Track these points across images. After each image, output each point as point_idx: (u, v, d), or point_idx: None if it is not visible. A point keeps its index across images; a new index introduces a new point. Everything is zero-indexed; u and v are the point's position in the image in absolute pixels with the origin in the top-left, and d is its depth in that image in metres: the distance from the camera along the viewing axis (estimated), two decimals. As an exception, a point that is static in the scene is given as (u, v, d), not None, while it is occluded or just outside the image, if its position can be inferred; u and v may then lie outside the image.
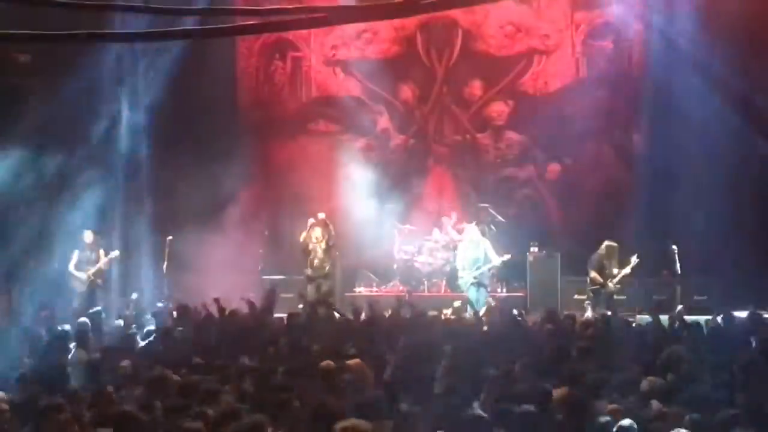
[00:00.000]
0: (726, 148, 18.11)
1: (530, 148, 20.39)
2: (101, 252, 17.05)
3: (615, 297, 16.45)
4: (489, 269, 16.93)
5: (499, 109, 20.47)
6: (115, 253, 17.20)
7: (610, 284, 16.23)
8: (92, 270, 16.88)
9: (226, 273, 17.48)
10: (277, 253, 19.12)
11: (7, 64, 18.08)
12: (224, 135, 20.13)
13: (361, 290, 18.74)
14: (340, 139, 20.65)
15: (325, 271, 17.34)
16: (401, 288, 18.50)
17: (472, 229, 17.27)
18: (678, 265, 16.88)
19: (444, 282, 18.69)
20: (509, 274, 19.07)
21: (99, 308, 14.38)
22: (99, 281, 17.00)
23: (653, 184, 19.04)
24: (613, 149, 20.02)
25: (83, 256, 16.96)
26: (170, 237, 18.01)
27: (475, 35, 20.27)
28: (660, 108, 18.85)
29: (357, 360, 9.16)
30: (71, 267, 16.84)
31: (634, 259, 16.26)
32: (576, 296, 17.35)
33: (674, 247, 16.84)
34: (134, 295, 16.56)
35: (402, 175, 20.13)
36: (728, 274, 17.77)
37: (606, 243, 16.51)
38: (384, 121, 20.84)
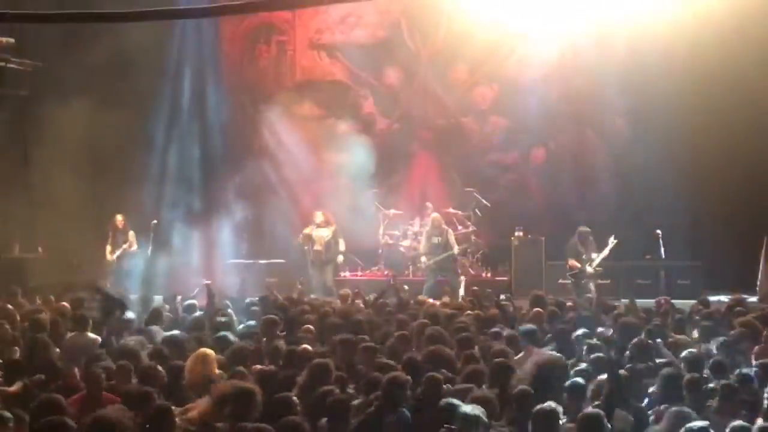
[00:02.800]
0: (710, 132, 18.16)
1: (515, 132, 20.37)
2: (130, 234, 17.46)
3: (599, 282, 16.55)
4: (447, 257, 16.92)
5: (484, 94, 20.46)
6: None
7: (589, 268, 16.35)
8: (118, 252, 17.31)
9: (209, 257, 17.57)
10: (260, 238, 19.14)
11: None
12: (208, 120, 20.09)
13: (345, 274, 18.71)
14: (325, 123, 20.56)
15: (322, 258, 17.34)
16: (386, 272, 18.53)
17: (434, 217, 17.32)
18: (662, 249, 16.92)
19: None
20: (494, 258, 19.17)
21: None
22: (124, 265, 17.35)
23: (637, 169, 19.09)
24: (597, 134, 20.03)
25: (114, 240, 17.44)
26: (155, 221, 17.96)
27: (461, 19, 20.19)
28: (643, 92, 18.85)
29: None
30: (107, 249, 17.38)
31: (611, 241, 16.38)
32: (560, 280, 17.40)
33: (658, 231, 16.88)
34: None
35: (386, 159, 20.04)
36: (712, 258, 17.87)
37: (579, 229, 16.68)
38: (368, 105, 20.82)
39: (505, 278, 18.57)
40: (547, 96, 19.78)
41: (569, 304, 13.19)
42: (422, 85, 20.62)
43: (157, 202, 18.60)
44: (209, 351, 8.84)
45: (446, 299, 14.25)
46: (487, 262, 19.17)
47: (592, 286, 16.22)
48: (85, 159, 18.60)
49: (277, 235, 19.22)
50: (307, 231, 17.52)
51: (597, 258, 16.40)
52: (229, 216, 18.71)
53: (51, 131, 18.07)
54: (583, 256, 16.44)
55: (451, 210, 18.89)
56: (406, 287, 15.63)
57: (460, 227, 18.65)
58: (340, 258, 17.65)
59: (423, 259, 17.33)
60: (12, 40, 18.15)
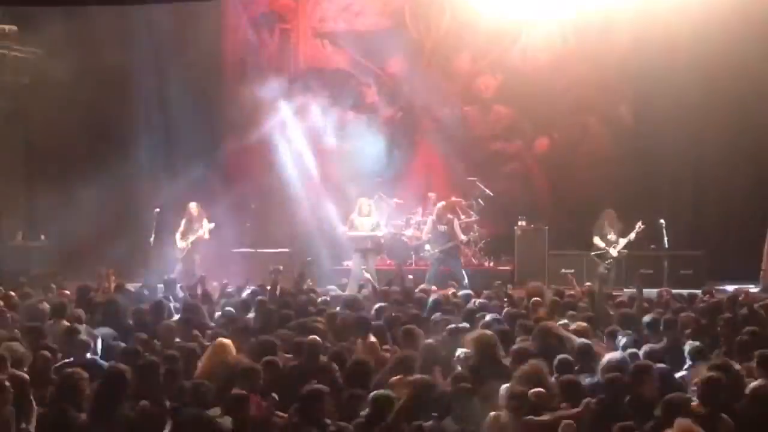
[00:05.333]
0: (713, 120, 18.14)
1: (518, 121, 20.31)
2: (205, 223, 17.48)
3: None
4: (453, 246, 16.86)
5: (488, 83, 20.39)
6: (211, 225, 17.52)
7: (612, 250, 16.48)
8: (191, 239, 17.43)
9: (212, 246, 17.60)
10: (263, 227, 19.15)
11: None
12: (212, 107, 20.06)
13: (348, 264, 18.65)
14: (328, 112, 20.45)
15: (368, 246, 17.25)
16: (389, 262, 18.52)
17: (440, 206, 17.27)
18: (666, 239, 16.90)
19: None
20: (497, 247, 19.16)
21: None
22: (197, 255, 17.50)
23: (641, 157, 19.05)
24: (601, 122, 19.96)
25: (188, 227, 17.53)
26: (157, 209, 17.95)
27: (464, 8, 20.11)
28: (648, 80, 18.80)
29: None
30: (177, 236, 17.51)
31: (638, 225, 16.50)
32: (563, 270, 17.37)
33: (662, 221, 16.86)
34: None
35: (390, 149, 20.00)
36: (715, 248, 17.84)
37: (606, 210, 16.95)
38: (372, 94, 20.76)
39: (507, 268, 18.58)
40: (550, 85, 19.71)
41: (571, 293, 13.21)
42: (425, 74, 20.52)
43: (160, 190, 18.56)
44: (227, 341, 8.89)
45: (452, 290, 14.18)
46: (490, 252, 19.15)
47: (602, 268, 16.46)
48: (86, 148, 18.67)
49: (280, 224, 19.23)
50: (351, 219, 17.40)
51: (622, 242, 16.58)
52: (231, 204, 18.70)
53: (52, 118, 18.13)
54: (608, 237, 16.65)
55: (453, 199, 18.83)
56: (410, 276, 15.64)
57: (462, 216, 18.59)
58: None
59: (427, 247, 17.27)
60: (15, 28, 18.19)
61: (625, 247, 16.76)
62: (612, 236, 16.82)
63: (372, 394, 7.32)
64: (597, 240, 16.93)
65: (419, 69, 20.51)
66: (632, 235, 16.63)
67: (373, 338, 9.76)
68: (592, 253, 16.95)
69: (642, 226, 16.51)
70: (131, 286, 14.27)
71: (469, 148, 20.35)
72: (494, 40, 20.07)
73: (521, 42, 20.04)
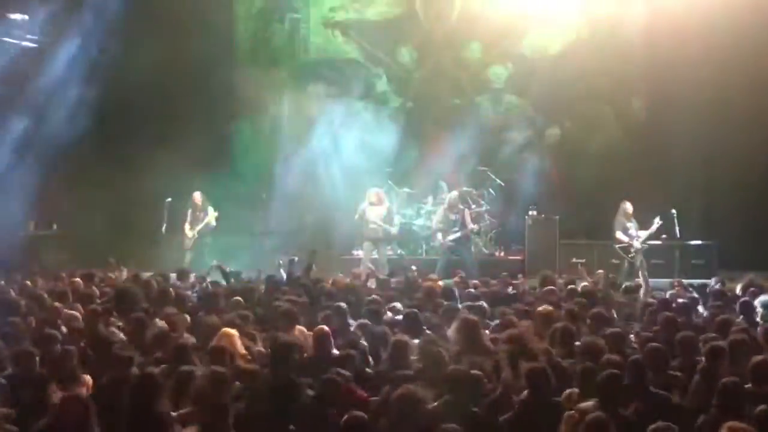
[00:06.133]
0: (725, 110, 18.08)
1: (530, 111, 20.29)
2: (210, 210, 17.64)
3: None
4: (463, 235, 16.84)
5: (499, 72, 20.36)
6: (216, 213, 17.71)
7: (636, 243, 16.43)
8: (198, 227, 17.58)
9: (223, 235, 17.62)
10: (274, 216, 19.19)
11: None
12: (222, 97, 20.06)
13: (359, 253, 18.66)
14: (338, 102, 20.44)
15: (379, 235, 17.22)
16: (399, 251, 18.54)
17: (452, 195, 17.25)
18: (677, 228, 16.87)
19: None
20: (508, 237, 19.15)
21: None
22: (208, 239, 17.67)
23: (653, 147, 19.00)
24: (612, 112, 19.92)
25: (194, 216, 17.68)
26: (169, 199, 17.99)
27: (475, -3, 20.12)
28: (659, 70, 18.75)
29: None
30: (186, 227, 17.63)
31: (656, 221, 16.43)
32: (574, 259, 17.36)
33: (673, 211, 16.83)
34: None
35: (400, 139, 19.97)
36: (726, 237, 17.80)
37: (624, 204, 16.80)
38: (382, 84, 20.73)
39: (518, 257, 18.56)
40: (562, 75, 19.69)
41: (584, 284, 13.19)
42: (436, 64, 20.51)
43: (172, 180, 18.58)
44: (232, 330, 8.91)
45: (458, 279, 14.17)
46: (501, 242, 19.15)
47: (639, 261, 16.40)
48: (98, 137, 18.71)
49: (291, 213, 19.26)
50: (361, 208, 17.37)
51: (644, 235, 16.54)
52: (242, 194, 18.74)
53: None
54: (630, 231, 16.62)
55: (464, 189, 18.82)
56: (414, 267, 15.58)
57: (473, 206, 18.59)
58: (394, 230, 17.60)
59: (439, 236, 17.23)
60: (26, 17, 18.21)
61: (646, 239, 16.70)
62: (633, 230, 16.71)
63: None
64: (620, 234, 16.77)
65: (430, 59, 20.49)
66: (653, 229, 16.55)
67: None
68: (617, 246, 16.85)
69: (660, 222, 16.45)
70: (144, 275, 14.28)
71: (480, 137, 20.27)
72: (506, 30, 20.04)
73: (533, 32, 20.00)
